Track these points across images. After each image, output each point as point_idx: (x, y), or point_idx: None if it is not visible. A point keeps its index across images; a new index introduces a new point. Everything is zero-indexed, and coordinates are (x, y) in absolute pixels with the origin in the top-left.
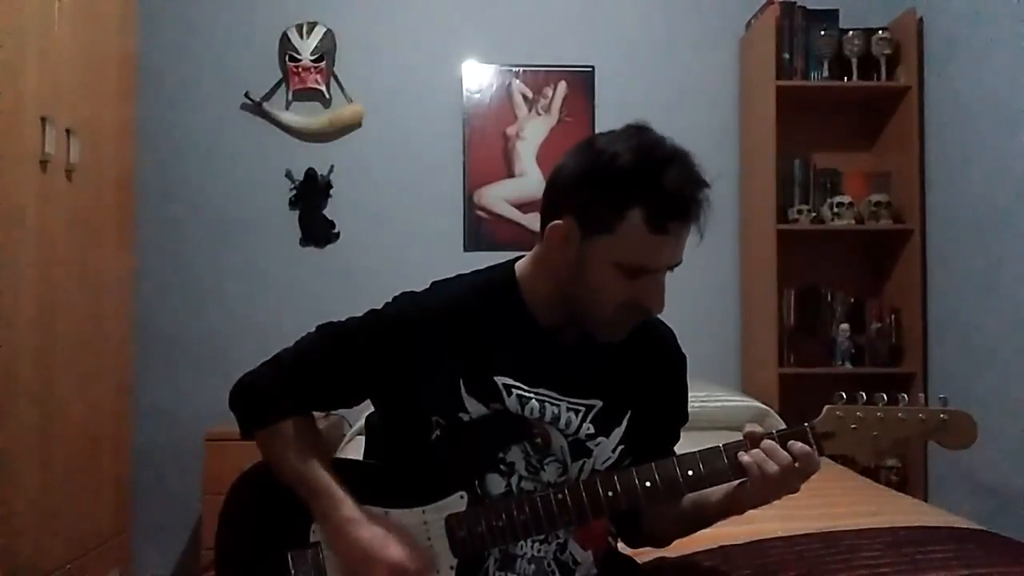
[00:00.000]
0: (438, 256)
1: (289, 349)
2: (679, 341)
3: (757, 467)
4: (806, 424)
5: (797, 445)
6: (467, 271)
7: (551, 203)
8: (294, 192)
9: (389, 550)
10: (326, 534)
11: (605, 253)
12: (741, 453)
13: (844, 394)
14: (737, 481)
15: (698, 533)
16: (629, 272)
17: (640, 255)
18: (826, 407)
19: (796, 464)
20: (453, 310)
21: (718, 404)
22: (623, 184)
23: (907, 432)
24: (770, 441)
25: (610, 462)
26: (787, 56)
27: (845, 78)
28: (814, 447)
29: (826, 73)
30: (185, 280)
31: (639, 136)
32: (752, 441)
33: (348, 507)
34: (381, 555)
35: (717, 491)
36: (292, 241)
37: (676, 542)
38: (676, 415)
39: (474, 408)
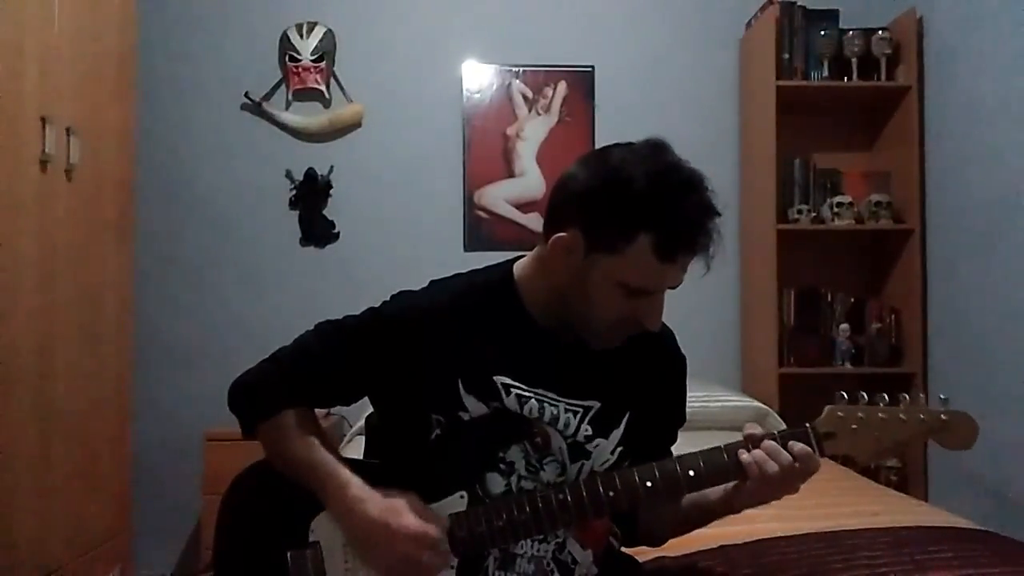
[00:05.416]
0: (438, 256)
1: (286, 347)
2: (679, 341)
3: (757, 467)
4: (807, 424)
5: (798, 446)
6: (466, 271)
7: (558, 212)
8: (294, 192)
9: (405, 519)
10: (336, 517)
11: (608, 272)
12: (742, 452)
13: (845, 394)
14: (735, 482)
15: (698, 533)
16: (630, 291)
17: (644, 279)
18: (827, 407)
19: (796, 465)
20: (451, 309)
21: (718, 404)
22: (635, 209)
23: (908, 433)
24: (771, 441)
25: (608, 464)
26: (787, 56)
27: (845, 78)
28: (815, 447)
29: (826, 73)
30: (185, 280)
31: (656, 158)
32: (752, 442)
33: (356, 486)
34: (397, 525)
35: (715, 491)
36: (292, 241)
37: (676, 542)
38: (674, 417)
39: (473, 407)
